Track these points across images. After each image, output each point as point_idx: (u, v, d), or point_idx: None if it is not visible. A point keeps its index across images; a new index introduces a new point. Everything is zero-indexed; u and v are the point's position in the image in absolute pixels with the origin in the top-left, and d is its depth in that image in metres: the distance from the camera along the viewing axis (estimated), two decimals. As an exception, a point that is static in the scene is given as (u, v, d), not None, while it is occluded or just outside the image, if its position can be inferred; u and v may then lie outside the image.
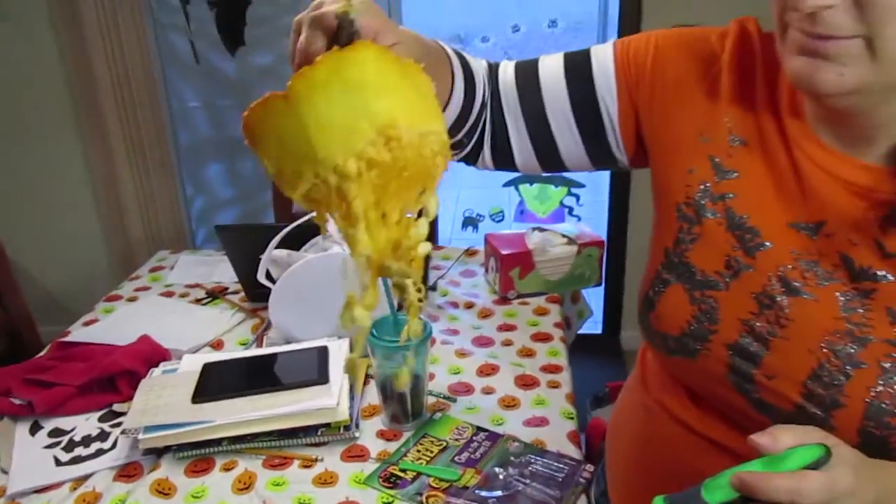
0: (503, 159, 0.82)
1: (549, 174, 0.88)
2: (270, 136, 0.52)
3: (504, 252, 1.33)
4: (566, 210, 2.70)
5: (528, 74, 0.79)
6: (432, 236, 1.76)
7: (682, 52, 0.72)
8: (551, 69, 0.78)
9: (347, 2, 0.54)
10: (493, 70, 0.81)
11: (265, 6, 2.33)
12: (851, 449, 0.52)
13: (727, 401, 0.68)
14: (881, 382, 0.58)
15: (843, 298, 0.61)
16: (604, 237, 1.42)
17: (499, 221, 2.95)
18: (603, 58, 0.75)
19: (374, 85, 0.50)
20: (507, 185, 2.68)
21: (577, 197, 2.68)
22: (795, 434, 0.51)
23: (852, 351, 0.59)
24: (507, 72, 0.80)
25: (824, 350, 0.61)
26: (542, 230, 1.42)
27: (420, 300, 0.58)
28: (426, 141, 0.52)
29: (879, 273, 0.59)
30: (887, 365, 0.58)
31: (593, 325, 2.56)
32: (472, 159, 0.83)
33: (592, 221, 1.47)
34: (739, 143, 0.67)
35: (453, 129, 0.76)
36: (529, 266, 1.35)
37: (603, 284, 2.38)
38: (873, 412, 0.58)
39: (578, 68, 0.76)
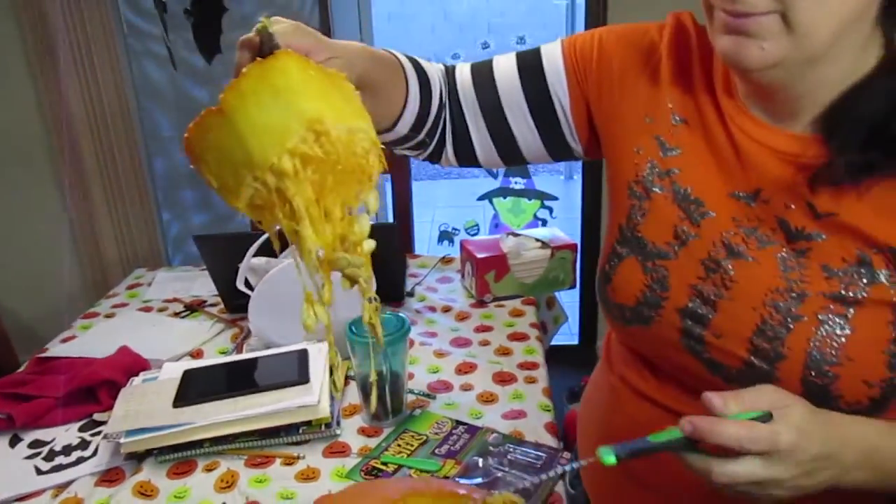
0: (465, 156, 0.87)
1: (509, 167, 0.94)
2: (210, 151, 0.55)
3: (479, 256, 1.36)
4: (540, 222, 2.75)
5: (483, 73, 0.84)
6: (409, 247, 1.78)
7: (625, 44, 0.78)
8: (505, 67, 0.83)
9: (267, 18, 0.59)
10: (449, 72, 0.86)
11: (238, 30, 2.36)
12: (802, 410, 0.56)
13: (681, 365, 0.72)
14: (819, 333, 0.62)
15: (781, 258, 0.66)
16: (577, 238, 1.45)
17: (474, 235, 2.99)
18: (552, 55, 0.81)
19: (299, 88, 0.53)
20: (481, 199, 2.73)
21: (551, 209, 2.73)
22: (744, 400, 0.56)
23: (792, 306, 0.64)
24: (463, 72, 0.85)
25: (766, 307, 0.65)
26: (515, 235, 1.46)
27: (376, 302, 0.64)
28: (355, 138, 0.55)
29: (813, 233, 0.64)
30: (823, 317, 0.62)
31: (569, 336, 2.60)
32: (436, 158, 0.88)
33: (566, 232, 1.51)
34: (681, 122, 0.73)
35: (414, 130, 0.80)
36: (504, 269, 1.38)
37: (578, 295, 2.44)
38: (813, 362, 0.62)
39: (530, 66, 0.82)
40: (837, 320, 0.62)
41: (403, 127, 0.79)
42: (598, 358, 0.95)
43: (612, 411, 0.86)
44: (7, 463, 0.98)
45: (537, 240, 1.44)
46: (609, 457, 0.56)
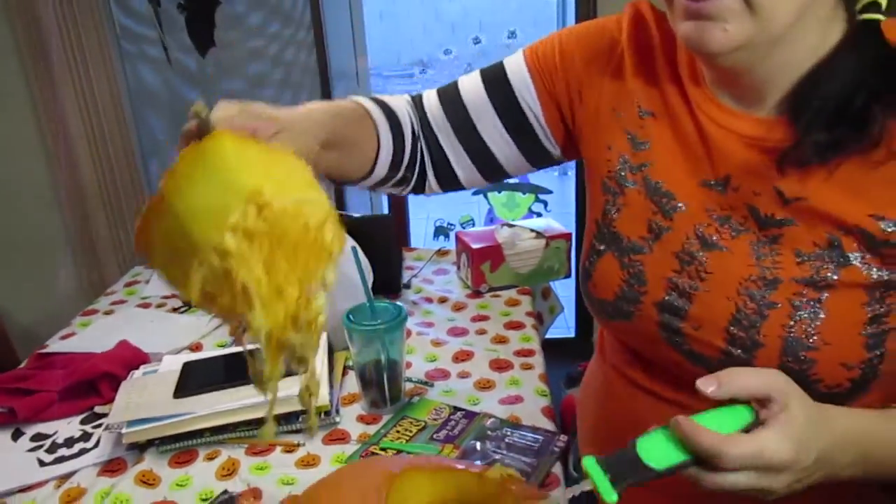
0: (447, 180, 0.88)
1: (493, 185, 0.96)
2: (157, 243, 0.52)
3: (475, 247, 1.38)
4: (534, 216, 2.77)
5: (450, 95, 0.85)
6: (405, 241, 1.80)
7: (585, 44, 0.78)
8: (471, 86, 0.84)
9: (199, 104, 0.56)
10: (416, 102, 0.87)
11: (232, 29, 2.38)
12: (803, 416, 0.53)
13: (664, 356, 0.72)
14: (794, 319, 0.62)
15: (754, 246, 0.65)
16: (571, 230, 1.46)
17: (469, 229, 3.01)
18: (516, 66, 0.82)
19: (236, 164, 0.51)
20: (476, 193, 2.74)
21: (545, 203, 2.75)
22: (741, 382, 0.54)
23: (765, 293, 0.64)
24: (430, 99, 0.86)
25: (740, 295, 0.65)
26: (510, 226, 1.47)
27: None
28: (304, 210, 0.52)
29: (783, 219, 0.64)
30: (797, 302, 0.62)
31: (566, 329, 2.61)
32: (419, 189, 0.89)
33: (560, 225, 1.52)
34: (648, 115, 0.73)
35: (392, 171, 0.82)
36: (500, 259, 1.39)
37: (574, 287, 2.45)
38: (789, 348, 0.62)
39: (496, 79, 0.83)
40: (811, 305, 0.62)
41: (381, 171, 0.80)
42: (595, 350, 0.95)
43: (606, 398, 0.87)
44: (10, 456, 0.99)
45: (532, 230, 1.45)
46: (605, 486, 0.53)
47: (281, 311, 0.51)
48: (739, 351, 0.65)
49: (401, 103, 0.84)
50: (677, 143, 0.70)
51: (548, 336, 1.56)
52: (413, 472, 0.60)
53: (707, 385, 0.54)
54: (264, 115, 0.60)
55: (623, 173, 0.74)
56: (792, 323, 0.62)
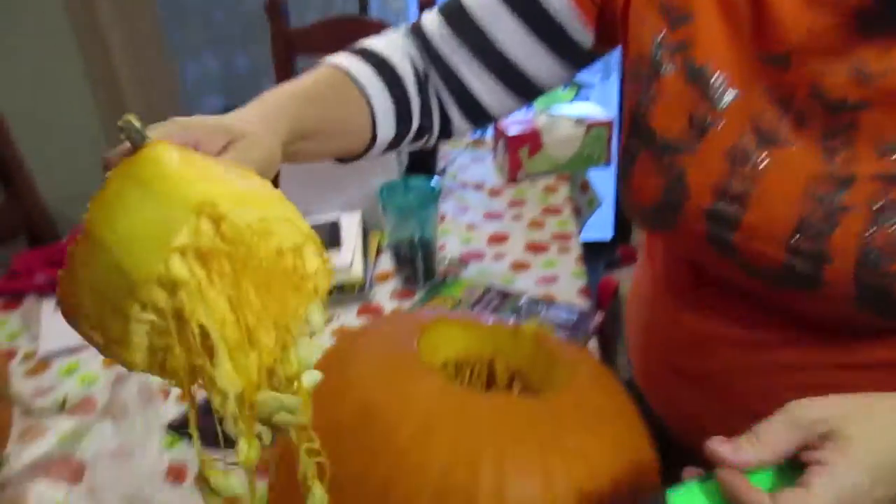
0: (475, 113, 0.76)
1: (528, 105, 0.82)
2: (84, 295, 0.38)
3: (512, 132, 1.33)
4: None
5: (455, 14, 0.72)
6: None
7: None
8: (480, 1, 0.71)
9: (131, 115, 0.41)
10: (416, 33, 0.75)
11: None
12: (856, 462, 0.42)
13: (717, 267, 0.63)
14: (873, 225, 0.51)
15: (823, 137, 0.54)
16: (612, 118, 1.41)
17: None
18: None
19: (176, 173, 0.38)
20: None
21: (587, 98, 2.66)
22: (766, 443, 0.42)
23: (836, 197, 0.53)
24: (432, 24, 0.74)
25: (807, 200, 0.54)
26: (549, 114, 1.42)
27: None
28: (273, 228, 0.39)
29: (859, 102, 0.52)
30: (877, 205, 0.51)
31: (602, 230, 2.58)
32: (446, 133, 0.78)
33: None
34: None
35: (403, 126, 0.72)
36: (537, 145, 1.35)
37: (615, 184, 2.39)
38: (867, 259, 0.52)
39: None
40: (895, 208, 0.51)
41: (386, 133, 0.70)
42: (641, 253, 0.86)
43: (653, 310, 0.77)
44: (54, 321, 1.01)
45: (572, 117, 1.40)
46: None
47: (253, 363, 0.38)
48: (804, 266, 0.54)
49: (394, 44, 0.72)
50: (724, 12, 0.58)
51: (583, 239, 1.52)
52: (446, 323, 0.59)
53: (720, 451, 0.43)
54: (209, 126, 0.48)
55: (658, 56, 0.61)
56: (870, 230, 0.51)
